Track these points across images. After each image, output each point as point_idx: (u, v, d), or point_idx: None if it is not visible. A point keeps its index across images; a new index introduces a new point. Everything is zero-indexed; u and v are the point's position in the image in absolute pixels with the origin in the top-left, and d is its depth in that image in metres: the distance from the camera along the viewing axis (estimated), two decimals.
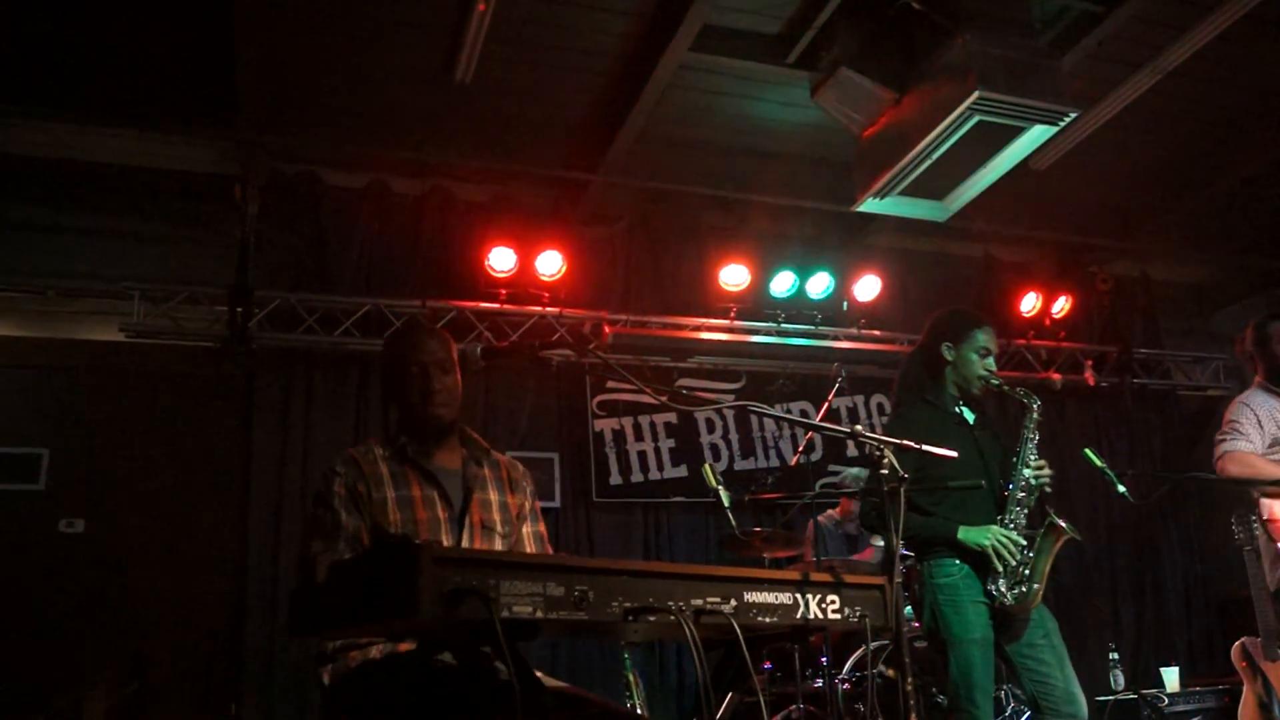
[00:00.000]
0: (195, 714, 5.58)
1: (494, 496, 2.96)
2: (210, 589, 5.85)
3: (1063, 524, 3.65)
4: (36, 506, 5.82)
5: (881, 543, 5.58)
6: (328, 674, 2.63)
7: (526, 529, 3.04)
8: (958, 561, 3.66)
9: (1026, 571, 3.62)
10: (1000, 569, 3.60)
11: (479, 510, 2.89)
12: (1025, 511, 3.70)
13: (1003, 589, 3.60)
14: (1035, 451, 3.79)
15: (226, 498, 6.01)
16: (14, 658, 5.40)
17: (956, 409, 3.91)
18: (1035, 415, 3.83)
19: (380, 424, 6.15)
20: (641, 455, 6.89)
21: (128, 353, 6.08)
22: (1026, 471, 3.73)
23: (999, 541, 3.59)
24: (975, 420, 3.92)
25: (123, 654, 5.42)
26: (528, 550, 3.01)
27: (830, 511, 6.39)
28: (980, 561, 3.62)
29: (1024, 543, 3.64)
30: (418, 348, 2.89)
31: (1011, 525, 3.65)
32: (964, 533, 3.62)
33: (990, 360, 3.89)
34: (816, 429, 6.97)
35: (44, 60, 5.54)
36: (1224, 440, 4.49)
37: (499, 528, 2.91)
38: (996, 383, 3.85)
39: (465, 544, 2.78)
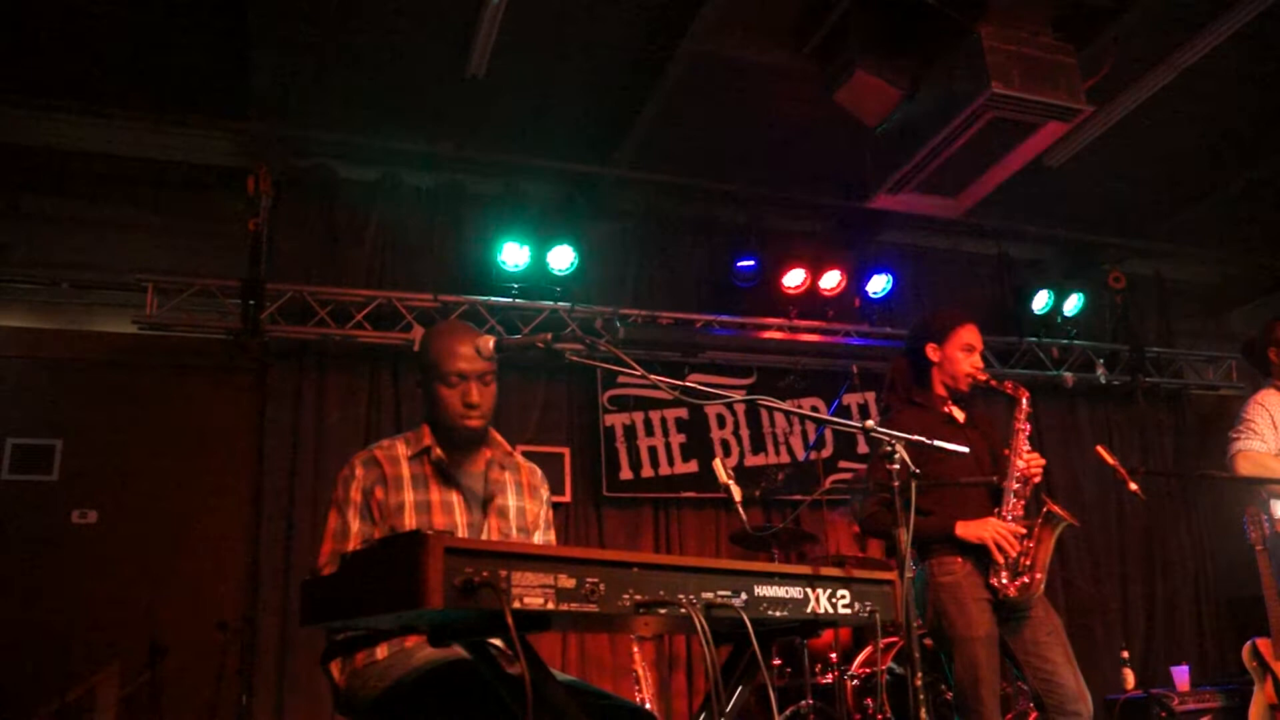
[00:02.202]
0: (207, 705, 5.59)
1: (513, 501, 2.95)
2: (222, 580, 5.88)
3: (1059, 511, 3.66)
4: (50, 497, 5.85)
5: None
6: (338, 670, 2.63)
7: (538, 537, 3.03)
8: (960, 559, 3.67)
9: (1028, 562, 3.63)
10: (1002, 561, 3.61)
11: (497, 516, 2.88)
12: (1022, 503, 3.70)
13: (1005, 581, 3.61)
14: (1026, 443, 3.79)
15: (238, 490, 6.04)
16: (27, 648, 5.42)
17: (945, 409, 3.91)
18: (1025, 407, 3.83)
19: (392, 416, 6.24)
20: (652, 450, 6.88)
21: (140, 345, 6.11)
22: (1020, 463, 3.73)
23: (998, 533, 3.60)
24: (964, 419, 3.93)
25: (135, 644, 5.44)
26: None
27: (843, 509, 6.39)
28: (981, 555, 3.63)
29: (1023, 532, 3.65)
30: (460, 358, 2.81)
31: (1009, 517, 3.66)
32: (962, 527, 3.64)
33: (976, 357, 3.89)
34: (828, 424, 6.95)
35: (58, 52, 5.54)
36: (1238, 439, 4.50)
37: (514, 534, 2.90)
38: (983, 379, 3.85)
39: None
